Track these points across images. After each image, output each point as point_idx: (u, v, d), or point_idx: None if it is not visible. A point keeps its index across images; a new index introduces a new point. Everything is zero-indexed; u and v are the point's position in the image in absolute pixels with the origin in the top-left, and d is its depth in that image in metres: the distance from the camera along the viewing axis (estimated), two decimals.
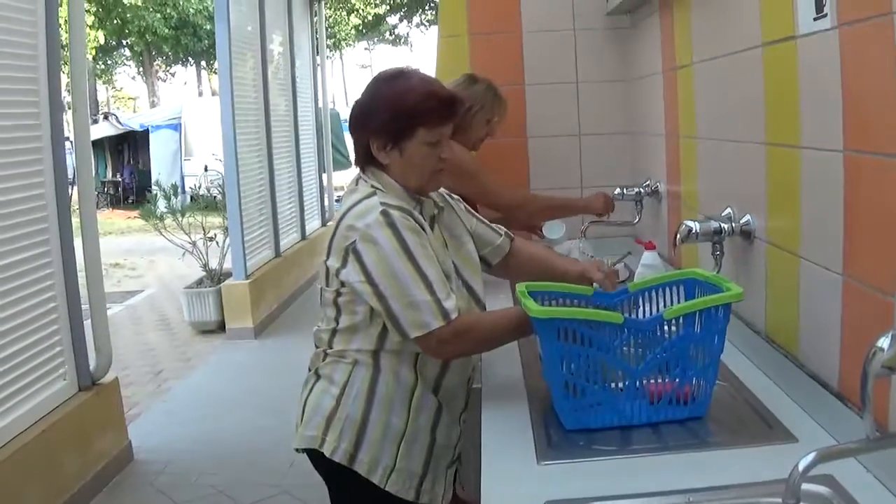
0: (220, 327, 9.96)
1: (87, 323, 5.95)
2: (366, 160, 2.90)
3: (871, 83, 2.08)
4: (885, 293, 2.05)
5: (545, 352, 2.58)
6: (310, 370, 2.99)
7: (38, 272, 5.28)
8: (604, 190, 4.79)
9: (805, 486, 1.78)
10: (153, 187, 11.10)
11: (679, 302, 2.78)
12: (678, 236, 3.26)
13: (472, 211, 3.32)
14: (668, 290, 2.84)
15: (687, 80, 3.91)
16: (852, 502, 1.94)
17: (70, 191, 5.69)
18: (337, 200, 15.62)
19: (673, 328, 2.51)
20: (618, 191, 4.82)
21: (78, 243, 5.82)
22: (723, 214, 3.29)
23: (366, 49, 40.12)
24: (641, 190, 4.78)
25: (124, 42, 31.83)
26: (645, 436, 2.48)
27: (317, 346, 2.97)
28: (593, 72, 5.29)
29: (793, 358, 2.71)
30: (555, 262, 3.29)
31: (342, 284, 2.74)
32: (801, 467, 1.62)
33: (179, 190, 14.03)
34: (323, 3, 13.72)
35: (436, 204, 3.02)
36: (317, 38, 13.68)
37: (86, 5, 20.60)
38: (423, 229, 2.76)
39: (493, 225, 3.34)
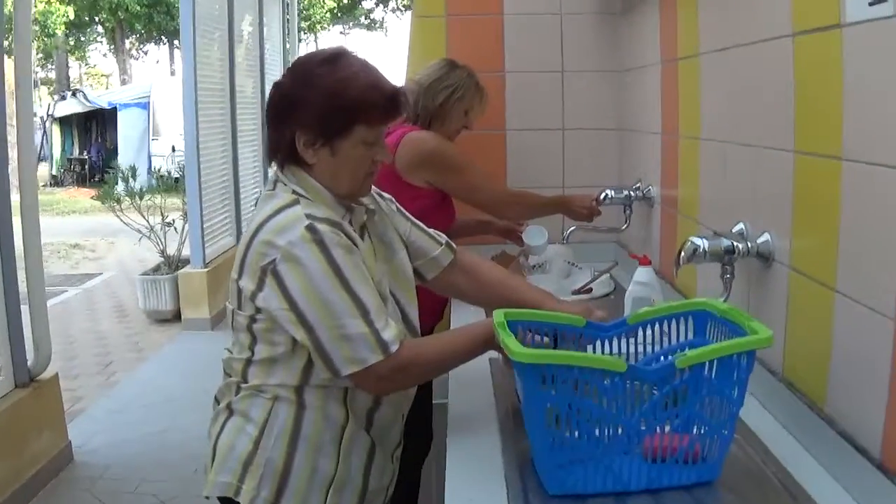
0: (177, 317, 9.72)
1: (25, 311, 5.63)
2: (286, 157, 2.51)
3: None
4: None
5: (527, 401, 2.09)
6: (217, 401, 2.64)
7: None
8: (590, 191, 4.37)
9: None
10: (110, 168, 10.71)
11: (687, 338, 2.34)
12: (682, 255, 2.78)
13: (406, 213, 2.91)
14: (673, 321, 2.38)
15: (691, 73, 3.44)
16: None
17: (37, 168, 5.36)
18: None
19: (685, 375, 2.03)
20: (605, 194, 4.35)
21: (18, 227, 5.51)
22: (734, 230, 2.83)
23: (341, 33, 40.02)
24: (631, 193, 4.34)
25: (96, 18, 31.51)
26: None
27: (227, 375, 2.60)
28: (581, 60, 4.85)
29: (818, 411, 2.26)
30: (523, 292, 2.91)
31: (258, 310, 2.39)
32: None
33: (146, 170, 13.84)
34: None
35: (366, 209, 2.64)
36: (288, 21, 13.40)
37: None
38: (356, 245, 2.41)
39: (432, 231, 2.95)
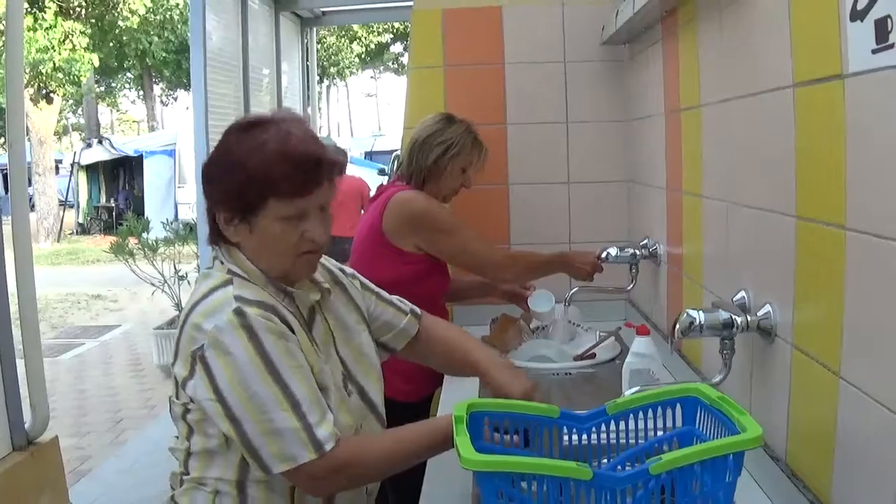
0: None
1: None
2: (215, 235, 2.36)
3: None
4: None
5: None
6: (171, 486, 2.45)
7: None
8: (598, 247, 4.16)
9: None
10: (126, 220, 10.68)
11: (674, 426, 2.09)
12: (677, 327, 2.53)
13: (370, 285, 2.73)
14: (660, 410, 2.14)
15: (693, 125, 3.22)
16: None
17: (62, 213, 5.17)
18: None
19: (662, 480, 1.78)
20: (607, 252, 4.10)
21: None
22: (734, 299, 2.60)
23: (371, 77, 40.11)
24: (637, 252, 4.10)
25: (124, 65, 31.71)
26: None
27: (177, 461, 2.43)
28: (586, 110, 4.65)
29: None
30: (478, 360, 2.66)
31: (190, 399, 2.22)
32: None
33: (173, 217, 13.80)
34: (315, 29, 13.24)
35: (318, 287, 2.45)
36: (308, 66, 13.28)
37: (80, 27, 20.39)
38: (292, 330, 2.21)
39: (396, 299, 2.77)
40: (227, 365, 2.09)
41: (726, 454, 1.75)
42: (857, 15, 1.72)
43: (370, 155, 26.87)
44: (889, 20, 1.59)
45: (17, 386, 5.16)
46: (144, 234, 10.03)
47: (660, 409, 2.13)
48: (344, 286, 2.60)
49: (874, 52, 1.66)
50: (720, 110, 2.87)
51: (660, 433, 2.12)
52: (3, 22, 5.29)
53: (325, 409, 2.17)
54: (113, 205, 26.78)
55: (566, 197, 4.69)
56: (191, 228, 10.84)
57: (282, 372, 2.11)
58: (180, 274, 9.75)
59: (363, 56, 34.55)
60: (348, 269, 2.70)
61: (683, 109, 3.36)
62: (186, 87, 35.20)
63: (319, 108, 13.93)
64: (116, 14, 24.97)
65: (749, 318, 2.45)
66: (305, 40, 12.91)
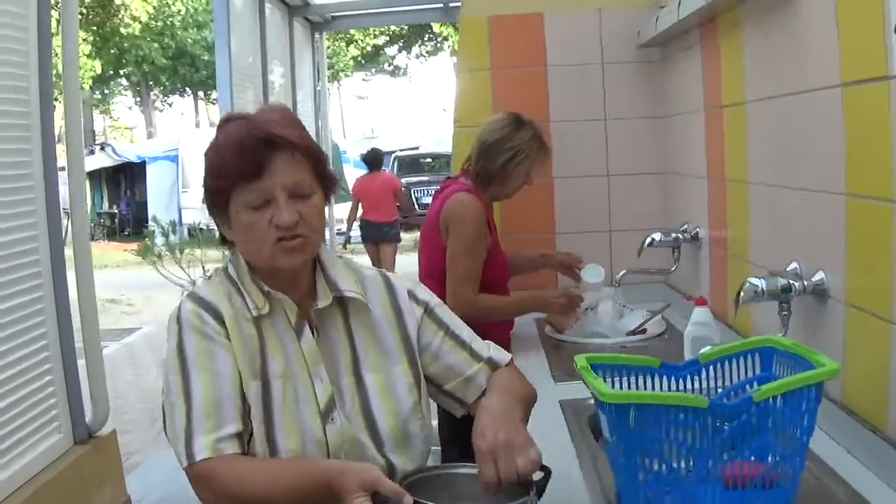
0: None
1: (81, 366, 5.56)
2: (222, 239, 2.37)
3: None
4: None
5: (616, 439, 2.22)
6: None
7: (29, 315, 4.86)
8: (636, 234, 4.58)
9: None
10: (150, 223, 10.90)
11: (754, 373, 2.49)
12: (742, 295, 2.94)
13: (446, 322, 2.44)
14: (744, 360, 2.53)
15: (737, 120, 3.63)
16: None
17: (66, 220, 5.37)
18: (339, 233, 15.30)
19: (759, 408, 2.20)
20: (650, 238, 4.53)
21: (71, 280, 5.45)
22: (788, 269, 3.00)
23: (363, 80, 40.12)
24: (679, 235, 4.51)
25: (121, 72, 31.84)
26: None
27: None
28: (623, 108, 5.05)
29: (880, 432, 2.43)
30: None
31: None
32: None
33: (177, 224, 13.90)
34: (325, 33, 13.53)
35: (339, 293, 2.29)
36: (318, 69, 13.52)
37: (82, 34, 20.29)
38: (228, 332, 2.15)
39: (483, 345, 2.46)
40: (165, 359, 2.16)
41: (811, 384, 2.15)
42: None
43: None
44: None
45: (78, 381, 5.33)
46: (163, 238, 10.23)
47: (742, 358, 2.51)
48: (400, 310, 2.39)
49: None
50: (766, 106, 3.28)
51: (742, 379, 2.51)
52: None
53: (220, 420, 2.08)
54: (116, 211, 26.86)
55: (606, 188, 5.09)
56: (195, 231, 11.04)
57: (191, 372, 2.10)
58: (209, 274, 9.90)
59: (358, 58, 34.59)
60: (422, 296, 2.45)
61: (726, 106, 3.77)
62: (182, 92, 35.30)
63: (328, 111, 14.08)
64: (118, 21, 25.15)
65: (804, 282, 2.85)
66: (316, 44, 13.12)
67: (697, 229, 4.38)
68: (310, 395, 2.20)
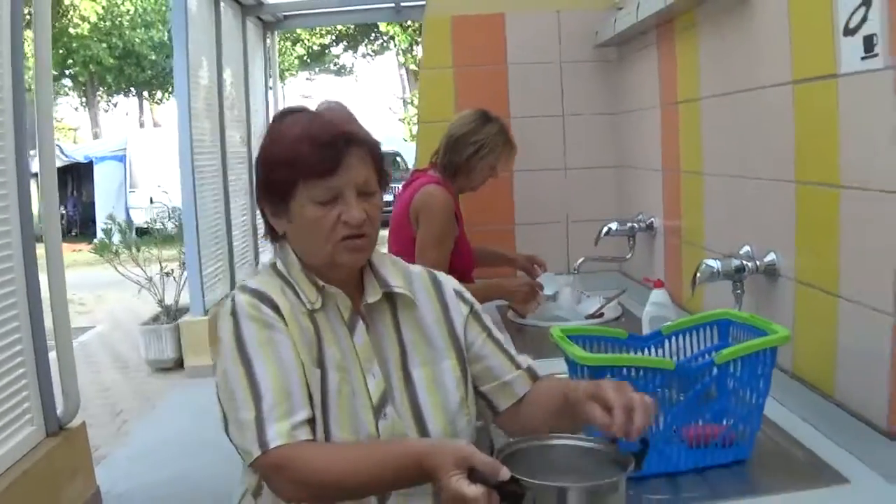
0: (178, 365, 9.78)
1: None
2: (268, 230, 2.33)
3: None
4: None
5: None
6: None
7: (3, 310, 5.03)
8: (592, 224, 4.83)
9: None
10: (106, 220, 10.86)
11: (712, 343, 2.74)
12: (698, 276, 3.21)
13: (487, 324, 2.44)
14: (702, 332, 2.78)
15: (692, 115, 3.87)
16: None
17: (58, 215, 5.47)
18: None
19: (720, 372, 2.44)
20: (607, 228, 4.78)
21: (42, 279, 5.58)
22: (741, 252, 3.25)
23: (307, 79, 39.95)
24: (635, 225, 4.74)
25: (66, 72, 31.58)
26: (693, 483, 2.41)
27: None
28: (580, 105, 5.27)
29: (828, 397, 2.67)
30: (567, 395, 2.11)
31: None
32: None
33: (131, 222, 13.87)
34: (276, 33, 13.63)
35: (388, 288, 2.29)
36: (269, 69, 13.62)
37: (30, 35, 20.17)
38: (286, 323, 2.13)
39: (514, 352, 2.43)
40: (218, 352, 2.12)
41: (765, 348, 2.40)
42: (849, 32, 2.38)
43: None
44: (875, 37, 2.26)
45: (49, 375, 5.47)
46: (120, 235, 10.25)
47: (701, 330, 2.77)
48: (447, 306, 2.39)
49: (863, 59, 2.33)
50: (720, 102, 3.53)
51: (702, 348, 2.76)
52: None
53: (292, 407, 2.03)
54: (63, 212, 26.59)
55: (564, 181, 5.32)
56: (143, 232, 11.09)
57: (253, 361, 2.05)
58: (166, 271, 10.07)
59: (304, 58, 34.49)
60: (467, 296, 2.45)
61: (681, 102, 4.02)
62: (127, 92, 35.08)
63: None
64: (67, 21, 25.02)
65: (756, 262, 3.11)
66: (268, 43, 13.20)
67: (652, 219, 4.62)
68: (363, 390, 2.16)
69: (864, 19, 2.32)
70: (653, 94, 4.45)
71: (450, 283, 2.45)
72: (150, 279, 9.93)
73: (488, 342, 2.38)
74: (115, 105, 36.75)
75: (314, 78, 40.43)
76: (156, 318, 10.07)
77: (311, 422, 2.05)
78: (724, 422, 2.47)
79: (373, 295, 2.26)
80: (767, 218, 3.11)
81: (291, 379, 2.06)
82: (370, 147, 2.21)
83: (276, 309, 2.12)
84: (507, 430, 2.41)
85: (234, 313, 2.11)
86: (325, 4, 12.15)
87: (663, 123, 4.33)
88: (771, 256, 3.07)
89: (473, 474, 1.71)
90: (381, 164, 2.24)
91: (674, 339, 2.78)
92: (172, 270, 10.11)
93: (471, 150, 4.20)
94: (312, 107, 2.32)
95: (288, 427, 1.99)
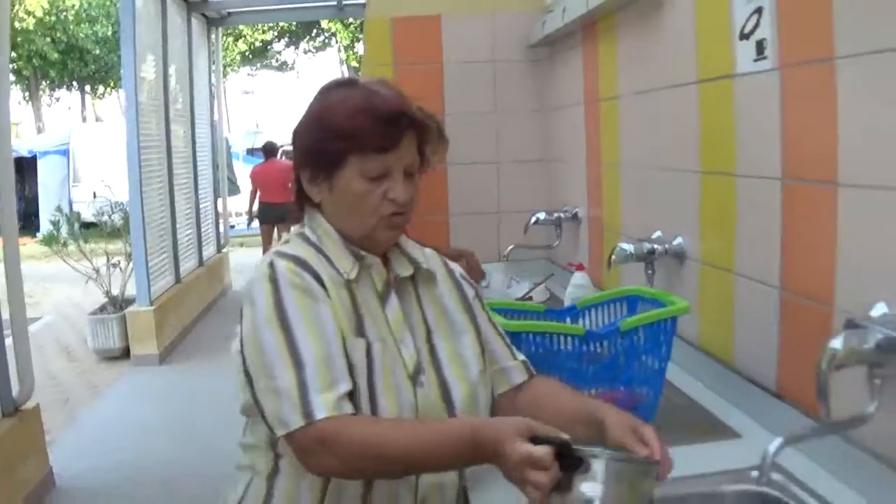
0: (125, 354, 9.93)
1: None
2: (300, 197, 2.27)
3: (810, 118, 2.38)
4: (822, 302, 2.35)
5: None
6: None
7: None
8: (522, 215, 5.09)
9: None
10: (54, 213, 10.95)
11: (622, 315, 3.02)
12: (613, 257, 3.51)
13: (488, 310, 2.45)
14: (613, 306, 3.07)
15: (611, 112, 4.18)
16: (799, 483, 2.23)
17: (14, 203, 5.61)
18: (232, 226, 15.81)
19: (625, 340, 2.75)
20: (535, 217, 5.06)
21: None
22: (653, 237, 3.55)
23: (249, 75, 39.85)
24: (561, 215, 5.02)
25: (10, 66, 31.19)
26: None
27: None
28: (512, 102, 5.50)
29: (728, 365, 2.99)
30: (594, 410, 2.08)
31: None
32: (771, 450, 1.90)
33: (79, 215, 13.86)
34: (220, 29, 13.82)
35: (415, 264, 2.29)
36: (213, 65, 13.77)
37: None
38: (325, 289, 2.07)
39: (509, 342, 2.44)
40: (250, 318, 2.03)
41: (666, 317, 2.71)
42: (743, 36, 2.70)
43: (252, 151, 26.78)
44: (765, 41, 2.58)
45: (5, 358, 5.72)
46: (68, 227, 10.33)
47: (613, 304, 3.07)
48: (459, 284, 2.40)
49: (755, 60, 2.65)
50: (636, 100, 3.85)
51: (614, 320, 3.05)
52: None
53: (336, 379, 1.97)
54: None
55: (496, 174, 5.56)
56: (86, 226, 11.20)
57: (294, 329, 1.98)
58: (113, 262, 10.22)
59: (246, 53, 34.39)
60: (470, 281, 2.47)
61: (602, 100, 4.32)
62: (70, 87, 34.86)
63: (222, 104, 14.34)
64: (13, 15, 24.88)
65: (666, 246, 3.43)
66: (212, 39, 13.35)
67: (577, 209, 4.91)
68: (399, 360, 2.13)
69: (756, 25, 2.64)
70: (578, 92, 4.74)
71: (456, 266, 2.47)
72: (97, 271, 10.08)
73: (490, 327, 2.39)
74: (57, 100, 36.52)
75: (255, 74, 40.38)
76: (102, 309, 10.22)
77: (352, 395, 1.98)
78: (630, 386, 2.77)
79: (404, 270, 2.26)
80: (676, 205, 3.42)
81: (333, 349, 2.00)
82: (423, 130, 2.18)
83: (317, 277, 2.07)
84: (499, 412, 2.31)
85: (273, 279, 2.03)
86: (269, 2, 12.40)
87: (587, 119, 4.62)
88: (678, 240, 3.38)
89: (535, 440, 1.71)
90: (424, 148, 2.22)
91: (588, 312, 3.07)
92: (119, 262, 10.25)
93: None
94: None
95: (334, 398, 1.92)
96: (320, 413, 1.88)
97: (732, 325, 2.96)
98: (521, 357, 2.39)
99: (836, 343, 1.91)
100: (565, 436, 1.73)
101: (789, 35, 2.51)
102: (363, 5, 6.91)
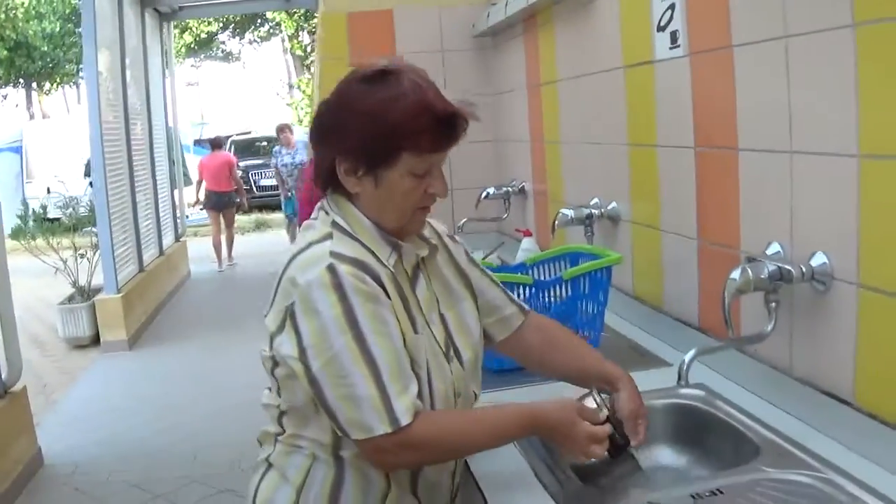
0: (94, 341, 10.21)
1: None
2: (328, 184, 2.23)
3: (714, 96, 2.86)
4: (730, 247, 2.83)
5: None
6: (260, 444, 2.39)
7: None
8: (474, 191, 5.53)
9: (686, 391, 2.66)
10: (20, 208, 11.19)
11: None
12: (556, 222, 3.98)
13: (476, 260, 2.56)
14: (558, 262, 3.53)
15: (551, 95, 4.65)
16: (718, 395, 2.68)
17: None
18: (186, 216, 16.22)
19: (569, 290, 3.23)
20: (485, 192, 5.48)
21: None
22: (591, 203, 4.01)
23: (193, 66, 39.51)
24: (509, 189, 5.46)
25: None
26: None
27: (269, 417, 2.35)
28: (461, 87, 5.58)
29: (658, 308, 3.47)
30: (588, 361, 2.49)
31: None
32: (686, 359, 2.41)
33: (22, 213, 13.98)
34: (171, 23, 14.06)
35: (427, 242, 2.34)
36: (166, 59, 14.00)
37: None
38: (387, 293, 2.10)
39: (504, 288, 2.59)
40: (313, 324, 2.02)
41: (602, 267, 3.20)
42: (660, 28, 3.20)
43: (199, 142, 26.72)
44: (677, 32, 3.07)
45: None
46: (35, 222, 10.57)
47: (558, 261, 3.54)
48: (450, 251, 2.46)
49: (670, 48, 3.15)
50: (572, 83, 4.33)
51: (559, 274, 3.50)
52: None
53: (407, 381, 2.03)
54: None
55: (447, 154, 5.90)
56: (54, 220, 11.44)
57: (367, 336, 2.00)
58: (80, 252, 10.50)
59: (192, 45, 34.10)
60: (457, 238, 2.55)
61: (543, 84, 4.80)
62: (16, 84, 34.54)
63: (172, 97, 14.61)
64: None
65: (602, 210, 3.91)
66: (164, 34, 13.59)
67: (524, 183, 5.36)
68: (433, 340, 2.21)
69: (670, 19, 3.12)
70: (521, 77, 5.19)
71: (442, 227, 2.51)
72: (65, 262, 10.36)
73: (483, 278, 2.51)
74: (4, 97, 36.25)
75: (199, 65, 40.13)
76: (71, 298, 10.51)
77: (419, 392, 2.08)
78: (573, 327, 3.21)
79: (422, 250, 2.30)
80: (609, 174, 3.89)
81: (401, 351, 2.05)
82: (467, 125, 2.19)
83: (377, 279, 2.08)
84: (502, 353, 2.64)
85: (337, 286, 2.01)
86: None
87: (529, 102, 5.07)
88: (613, 205, 3.86)
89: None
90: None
91: (536, 268, 3.53)
92: (86, 252, 10.54)
93: None
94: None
95: (410, 401, 2.00)
96: (404, 419, 1.97)
97: (661, 274, 3.44)
98: (518, 301, 2.58)
99: (735, 274, 2.39)
100: (603, 415, 2.16)
101: (696, 27, 2.98)
102: None
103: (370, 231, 2.17)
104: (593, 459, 2.15)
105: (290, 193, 14.78)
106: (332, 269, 2.01)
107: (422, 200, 2.16)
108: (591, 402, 2.18)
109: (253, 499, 2.32)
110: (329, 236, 2.13)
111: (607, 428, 2.13)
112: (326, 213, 2.22)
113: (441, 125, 2.09)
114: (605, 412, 2.16)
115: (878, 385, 2.18)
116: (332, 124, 2.15)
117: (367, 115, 2.07)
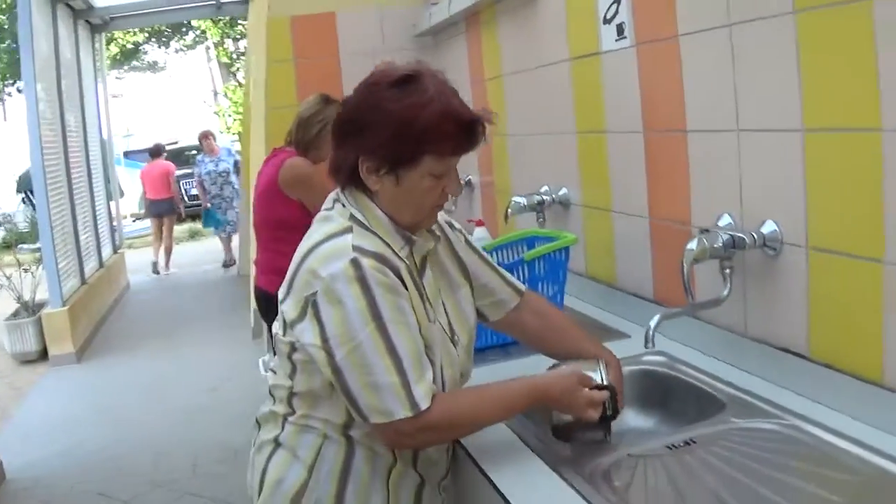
0: (42, 356, 10.13)
1: None
2: (348, 180, 2.33)
3: (662, 82, 3.06)
4: (682, 223, 3.02)
5: None
6: (259, 424, 2.54)
7: None
8: None
9: (649, 357, 2.88)
10: None
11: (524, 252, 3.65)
12: (509, 210, 4.13)
13: (474, 245, 2.70)
14: (515, 247, 3.72)
15: (497, 89, 4.82)
16: (680, 360, 2.89)
17: None
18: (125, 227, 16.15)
19: (527, 272, 3.40)
20: None
21: None
22: (542, 190, 4.17)
23: (117, 78, 38.94)
24: None
25: None
26: (519, 348, 3.14)
27: (273, 399, 2.48)
28: None
29: (613, 286, 3.65)
30: (581, 343, 2.64)
31: (298, 340, 2.26)
32: (652, 325, 2.58)
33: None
34: (104, 34, 14.01)
35: (433, 235, 2.46)
36: (98, 71, 13.96)
37: None
38: (404, 284, 2.22)
39: (501, 270, 2.73)
40: (337, 314, 2.12)
41: (559, 248, 3.40)
42: (607, 21, 3.38)
43: (128, 154, 26.60)
44: (623, 24, 3.26)
45: None
46: None
47: (515, 246, 3.73)
48: (450, 239, 2.58)
49: (616, 40, 3.34)
50: (518, 77, 4.49)
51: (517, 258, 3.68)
52: None
53: (425, 367, 2.17)
54: None
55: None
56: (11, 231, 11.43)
57: (389, 327, 2.11)
58: (24, 268, 10.54)
59: (117, 56, 33.71)
60: (456, 224, 2.67)
61: (488, 79, 4.97)
62: None
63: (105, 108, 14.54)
64: None
65: (553, 196, 4.08)
66: (96, 45, 13.52)
67: (470, 177, 5.52)
68: (439, 326, 2.36)
69: (616, 13, 3.30)
70: (464, 74, 5.35)
71: (442, 216, 2.59)
72: (9, 278, 10.38)
73: (481, 263, 2.64)
74: None
75: (123, 77, 39.65)
76: (16, 314, 10.44)
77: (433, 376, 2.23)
78: None
79: (431, 242, 2.42)
80: (559, 162, 4.06)
81: (419, 342, 2.19)
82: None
83: (397, 273, 2.19)
84: (498, 331, 2.87)
85: (361, 279, 2.12)
86: (149, 5, 12.60)
87: (474, 97, 5.20)
88: (564, 191, 4.04)
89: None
90: None
91: (494, 253, 3.68)
92: (30, 267, 10.57)
93: (318, 127, 4.76)
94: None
95: (427, 386, 2.15)
96: (424, 404, 2.11)
97: (614, 254, 3.62)
98: (513, 282, 2.71)
99: (692, 245, 2.58)
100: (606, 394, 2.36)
101: (642, 20, 3.16)
102: (241, 3, 7.25)
103: (386, 225, 2.27)
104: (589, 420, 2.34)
105: (210, 204, 14.79)
106: (355, 262, 2.12)
107: (438, 199, 2.28)
108: (595, 374, 2.40)
109: (261, 478, 2.43)
110: (349, 230, 2.23)
111: (605, 394, 2.35)
112: (343, 205, 2.32)
113: (463, 131, 2.20)
114: (608, 383, 2.39)
115: (831, 336, 2.38)
116: (357, 125, 2.26)
117: (396, 119, 2.17)
